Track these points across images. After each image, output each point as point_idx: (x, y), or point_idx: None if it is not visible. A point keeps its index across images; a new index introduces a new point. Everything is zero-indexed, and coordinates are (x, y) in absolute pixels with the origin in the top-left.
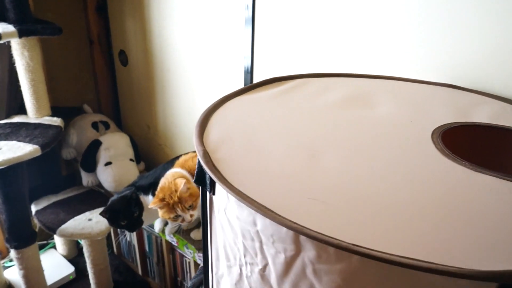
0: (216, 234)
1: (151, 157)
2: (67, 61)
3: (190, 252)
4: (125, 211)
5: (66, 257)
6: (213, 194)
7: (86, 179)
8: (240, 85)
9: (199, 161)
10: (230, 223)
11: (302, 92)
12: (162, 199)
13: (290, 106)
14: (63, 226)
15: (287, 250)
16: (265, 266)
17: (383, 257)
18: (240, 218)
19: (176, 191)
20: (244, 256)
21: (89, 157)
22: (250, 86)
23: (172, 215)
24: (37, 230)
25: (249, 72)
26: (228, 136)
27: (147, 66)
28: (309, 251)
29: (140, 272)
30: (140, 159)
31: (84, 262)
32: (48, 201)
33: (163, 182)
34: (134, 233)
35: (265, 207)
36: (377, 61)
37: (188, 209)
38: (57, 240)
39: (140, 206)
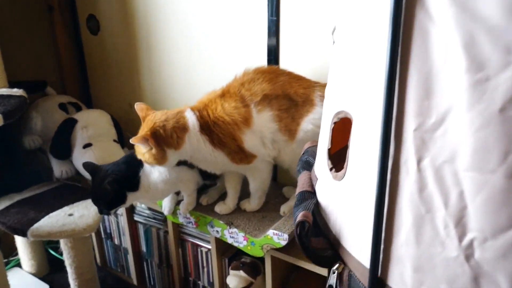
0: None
1: None
2: (22, 34)
3: (217, 231)
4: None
5: (35, 274)
6: None
7: (59, 168)
8: (263, 50)
9: None
10: None
11: None
12: (143, 118)
13: None
14: (37, 225)
15: None
16: None
17: None
18: None
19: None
20: None
21: (62, 139)
22: None
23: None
24: None
25: (274, 35)
26: None
27: (126, 32)
28: None
29: (135, 282)
30: (125, 144)
31: (61, 277)
32: (11, 200)
33: (162, 113)
34: (127, 234)
35: None
36: None
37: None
38: (22, 255)
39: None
